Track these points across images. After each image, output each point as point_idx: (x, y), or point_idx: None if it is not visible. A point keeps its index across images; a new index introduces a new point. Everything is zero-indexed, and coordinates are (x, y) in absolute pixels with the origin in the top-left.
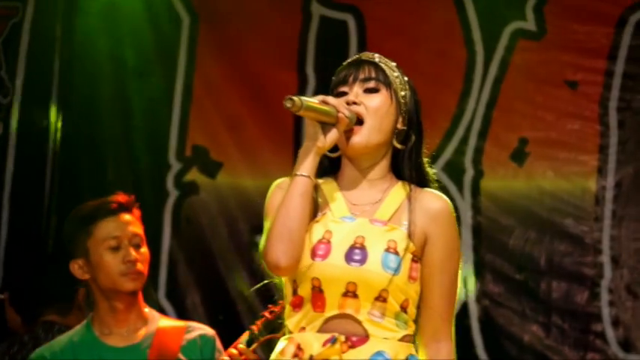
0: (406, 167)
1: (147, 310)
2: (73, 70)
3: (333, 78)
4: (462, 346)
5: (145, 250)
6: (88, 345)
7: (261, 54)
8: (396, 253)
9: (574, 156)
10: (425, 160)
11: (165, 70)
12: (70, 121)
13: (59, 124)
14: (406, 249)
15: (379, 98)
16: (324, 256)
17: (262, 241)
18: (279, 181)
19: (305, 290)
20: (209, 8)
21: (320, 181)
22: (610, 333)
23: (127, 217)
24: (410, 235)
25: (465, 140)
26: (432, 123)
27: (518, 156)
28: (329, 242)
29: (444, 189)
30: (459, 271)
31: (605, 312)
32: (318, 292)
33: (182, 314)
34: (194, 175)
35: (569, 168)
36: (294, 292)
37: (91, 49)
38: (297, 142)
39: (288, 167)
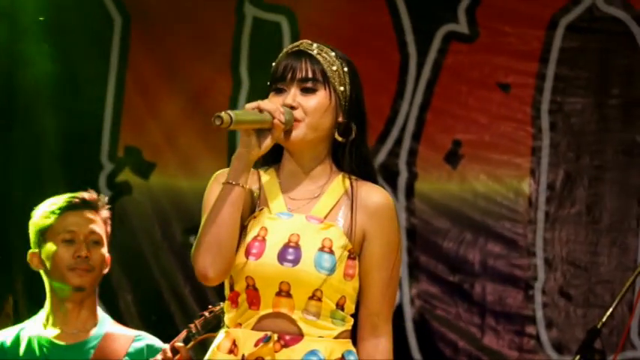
0: (347, 160)
1: (100, 313)
2: (4, 70)
3: (273, 64)
4: (397, 347)
5: (103, 250)
6: (35, 339)
7: (195, 55)
8: (331, 252)
9: (507, 158)
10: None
11: (97, 70)
12: (2, 124)
13: None
14: (342, 247)
15: (317, 99)
16: (258, 255)
17: (194, 246)
18: (218, 173)
19: (240, 287)
20: (141, 9)
21: (261, 171)
22: (544, 335)
23: (88, 214)
24: (346, 232)
25: (398, 142)
26: None
27: (452, 158)
28: (264, 240)
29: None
30: (399, 268)
31: (539, 314)
32: (252, 290)
33: (114, 315)
34: (127, 175)
35: (502, 170)
36: (231, 288)
37: (22, 50)
38: (230, 143)
39: (222, 167)
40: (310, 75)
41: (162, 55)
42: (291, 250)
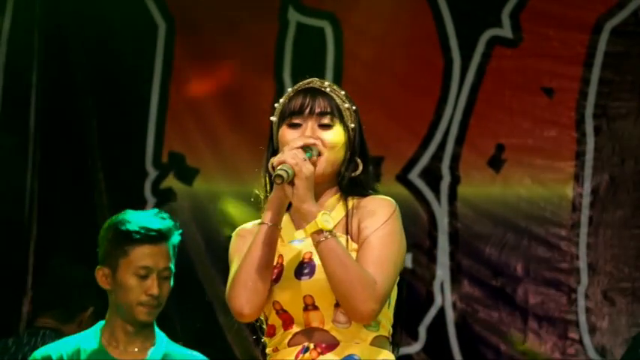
0: (352, 189)
1: (157, 332)
2: (50, 78)
3: (282, 101)
4: (439, 351)
5: (169, 283)
6: (94, 354)
7: (238, 60)
8: None
9: (550, 163)
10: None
11: (141, 76)
12: (49, 131)
13: (37, 135)
14: (352, 250)
15: (333, 133)
16: (277, 279)
17: (228, 286)
18: (238, 229)
19: (273, 317)
20: (185, 15)
21: None
22: (587, 339)
23: (163, 247)
24: (351, 237)
25: (442, 147)
26: (409, 130)
27: (495, 162)
28: (281, 265)
29: (419, 195)
30: (395, 255)
31: (582, 318)
32: (282, 312)
33: (160, 324)
34: (171, 181)
35: (545, 175)
36: (267, 322)
37: (68, 55)
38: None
39: None
40: (328, 110)
41: (206, 60)
42: (305, 264)
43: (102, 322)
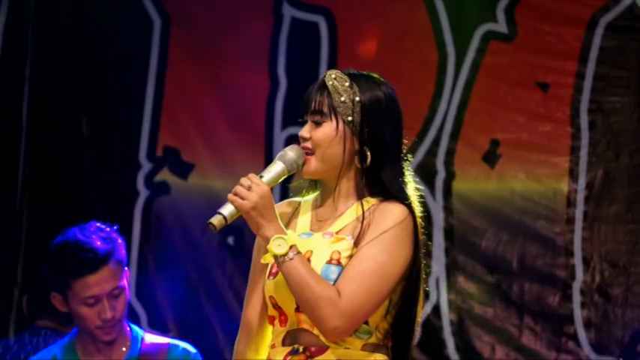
0: (368, 184)
1: (130, 329)
2: (44, 72)
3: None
4: (434, 347)
5: (125, 293)
6: None
7: (233, 55)
8: (339, 263)
9: (545, 158)
10: (406, 172)
11: (136, 70)
12: (42, 124)
13: (31, 128)
14: (349, 257)
15: (322, 131)
16: (275, 274)
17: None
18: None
19: (271, 309)
20: (181, 10)
21: (305, 198)
22: (582, 334)
23: (106, 271)
24: (356, 244)
25: (436, 142)
26: (403, 125)
27: (490, 158)
28: None
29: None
30: (384, 268)
31: (577, 313)
32: (278, 308)
33: (152, 314)
34: (165, 175)
35: (540, 170)
36: (269, 311)
37: (63, 49)
38: (268, 144)
39: (259, 169)
40: (318, 107)
41: (201, 55)
42: None
43: (76, 330)
